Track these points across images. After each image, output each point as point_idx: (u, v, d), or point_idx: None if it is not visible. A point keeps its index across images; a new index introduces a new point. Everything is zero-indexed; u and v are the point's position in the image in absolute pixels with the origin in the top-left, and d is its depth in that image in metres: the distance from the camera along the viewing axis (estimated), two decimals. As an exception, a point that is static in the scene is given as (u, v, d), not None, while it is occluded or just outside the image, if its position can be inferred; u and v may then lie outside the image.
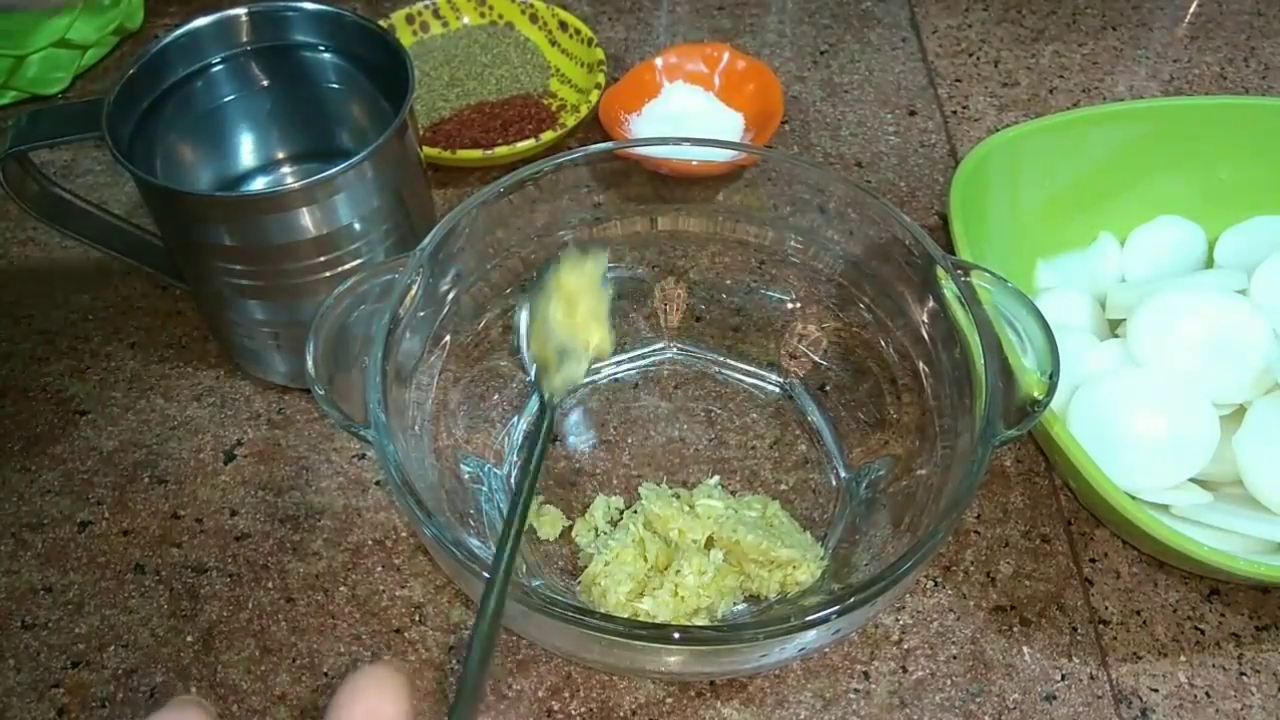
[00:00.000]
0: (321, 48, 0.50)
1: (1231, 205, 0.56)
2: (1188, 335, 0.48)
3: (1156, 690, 0.43)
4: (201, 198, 0.44)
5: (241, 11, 0.49)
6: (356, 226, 0.45)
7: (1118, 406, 0.47)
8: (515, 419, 0.49)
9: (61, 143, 0.45)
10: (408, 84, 0.46)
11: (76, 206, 0.50)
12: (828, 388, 0.50)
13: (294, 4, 0.49)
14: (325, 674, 0.43)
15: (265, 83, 0.52)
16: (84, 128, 0.44)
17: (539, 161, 0.45)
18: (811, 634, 0.35)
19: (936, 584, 0.46)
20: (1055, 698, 0.43)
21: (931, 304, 0.43)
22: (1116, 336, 0.52)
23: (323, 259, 0.45)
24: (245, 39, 0.50)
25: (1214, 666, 0.44)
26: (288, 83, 0.52)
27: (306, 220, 0.44)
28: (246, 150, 0.54)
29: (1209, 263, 0.56)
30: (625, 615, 0.41)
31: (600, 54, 0.66)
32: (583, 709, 0.42)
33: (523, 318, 0.46)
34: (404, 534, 0.47)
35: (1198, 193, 0.57)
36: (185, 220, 0.44)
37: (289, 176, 0.55)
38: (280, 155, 0.55)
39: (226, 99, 0.51)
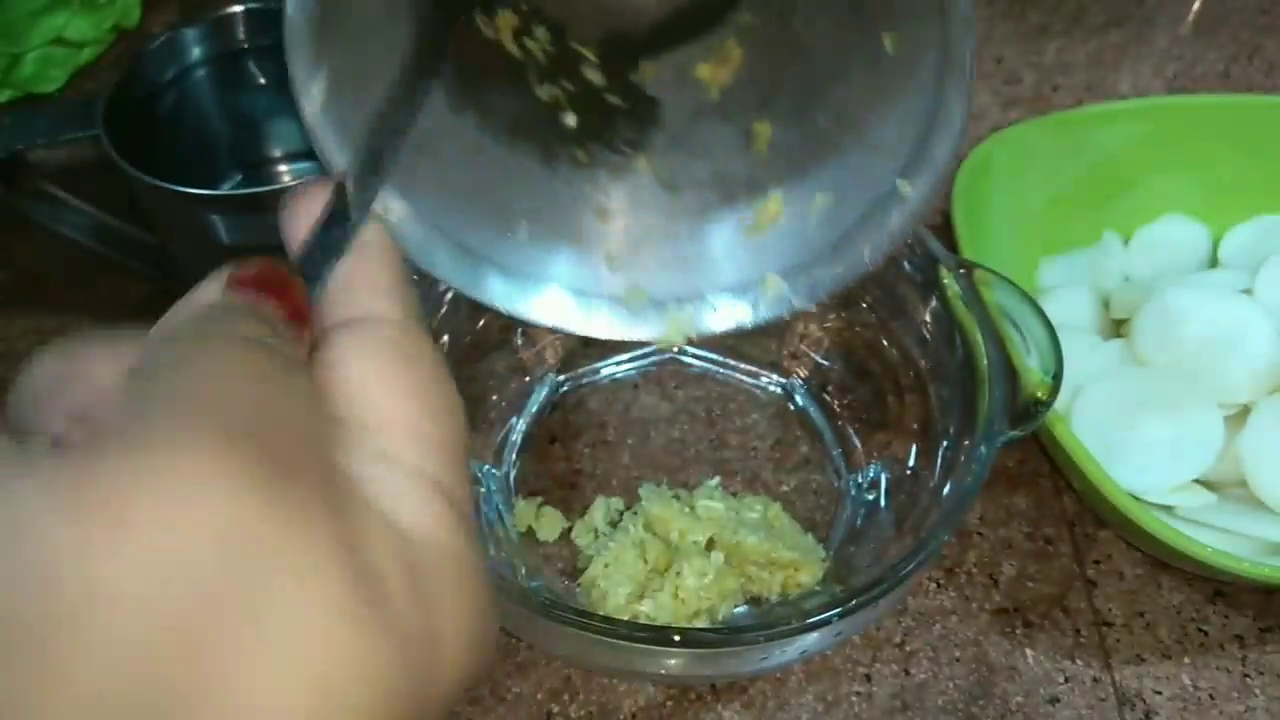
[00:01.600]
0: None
1: (1235, 204, 0.56)
2: (1192, 335, 0.47)
3: (1160, 693, 0.43)
4: (198, 196, 0.44)
5: (238, 9, 0.48)
6: (354, 225, 0.45)
7: (1121, 407, 0.46)
8: (514, 419, 0.49)
9: (58, 141, 0.45)
10: (406, 82, 0.45)
11: (72, 205, 0.49)
12: (829, 388, 0.50)
13: (291, 1, 0.49)
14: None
15: (263, 81, 0.51)
16: (80, 126, 0.44)
17: (538, 160, 0.45)
18: (813, 636, 0.35)
19: (939, 586, 0.46)
20: (1059, 700, 0.42)
21: (934, 303, 0.43)
22: (1120, 336, 0.51)
23: (320, 258, 0.45)
24: (242, 37, 0.49)
25: (1218, 669, 0.44)
26: (285, 81, 0.52)
27: (304, 219, 0.43)
28: (244, 149, 0.54)
29: (1213, 262, 0.55)
30: (625, 617, 0.40)
31: (600, 52, 0.66)
32: (582, 712, 0.42)
33: None
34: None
35: (1201, 191, 0.56)
36: (182, 219, 0.44)
37: (286, 175, 0.55)
38: (278, 154, 0.55)
39: (224, 97, 0.51)
